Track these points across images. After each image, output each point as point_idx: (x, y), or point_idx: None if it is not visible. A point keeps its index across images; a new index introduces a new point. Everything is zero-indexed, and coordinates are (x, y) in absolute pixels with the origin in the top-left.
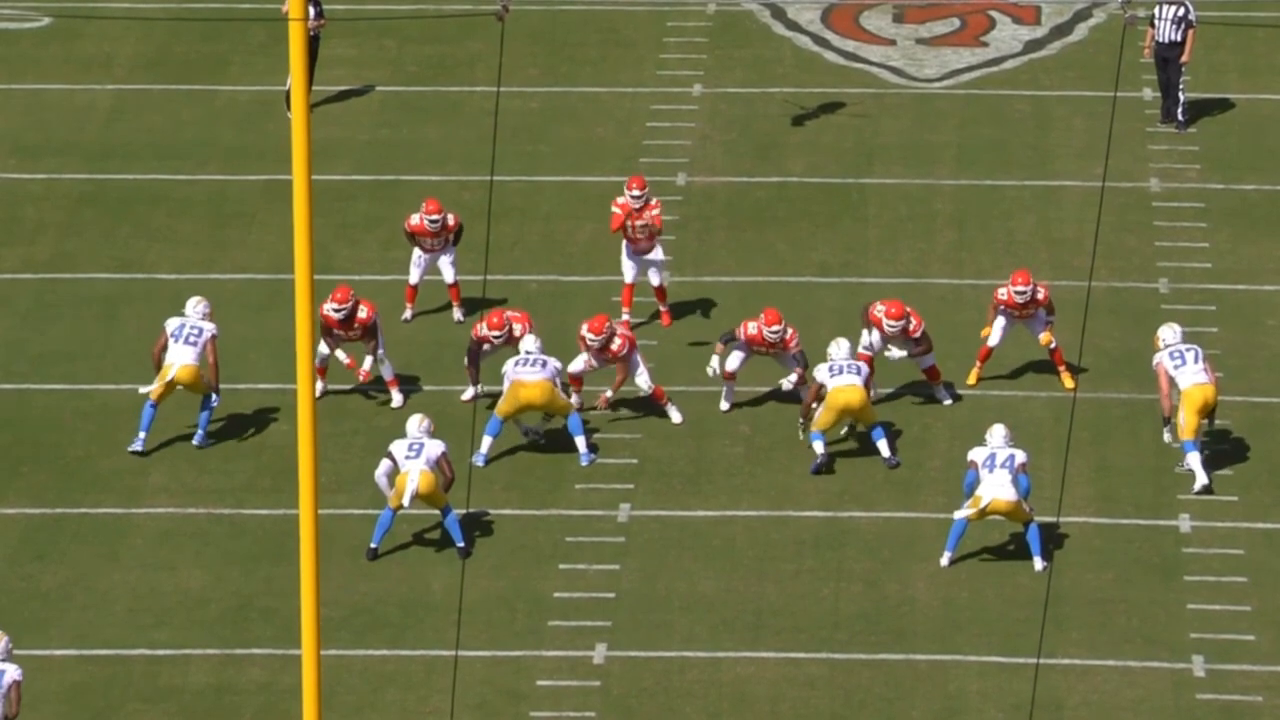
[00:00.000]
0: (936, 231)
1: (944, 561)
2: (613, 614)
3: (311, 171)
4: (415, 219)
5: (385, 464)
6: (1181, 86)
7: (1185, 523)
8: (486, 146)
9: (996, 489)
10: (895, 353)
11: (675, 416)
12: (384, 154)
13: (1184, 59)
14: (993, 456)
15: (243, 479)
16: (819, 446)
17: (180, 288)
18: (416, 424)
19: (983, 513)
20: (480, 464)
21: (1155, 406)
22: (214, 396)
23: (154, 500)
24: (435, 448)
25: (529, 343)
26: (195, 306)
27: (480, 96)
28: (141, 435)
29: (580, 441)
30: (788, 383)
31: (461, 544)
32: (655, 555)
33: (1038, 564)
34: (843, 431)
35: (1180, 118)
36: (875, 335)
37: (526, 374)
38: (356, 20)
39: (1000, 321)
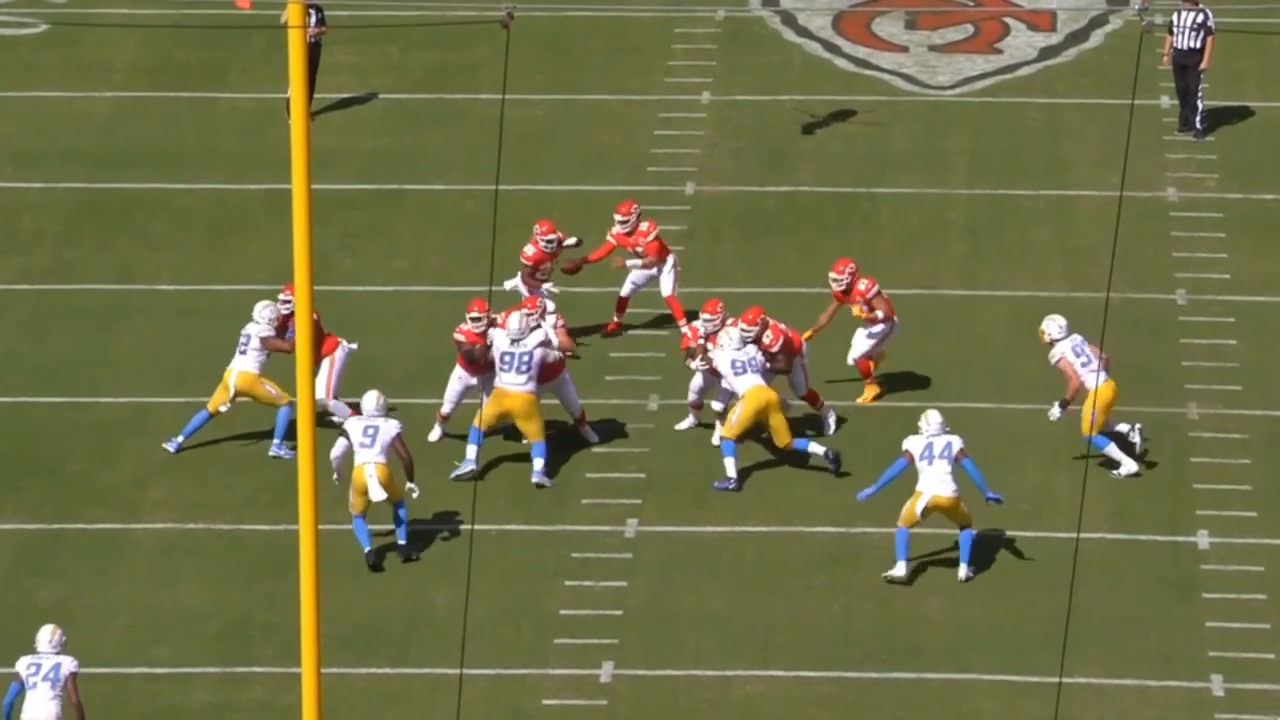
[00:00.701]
0: (949, 242)
1: (900, 572)
2: (620, 631)
3: (312, 180)
4: (530, 250)
5: (341, 443)
6: (1200, 94)
7: (1203, 539)
8: (491, 155)
9: (936, 485)
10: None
11: (591, 436)
12: (386, 162)
13: (1203, 66)
14: (930, 446)
15: (243, 494)
16: (730, 466)
17: (180, 298)
18: (374, 401)
19: (924, 511)
20: (472, 467)
21: (1170, 419)
22: (284, 409)
23: (153, 515)
24: (390, 429)
25: (514, 323)
26: (260, 311)
27: (485, 104)
28: (178, 439)
29: (539, 463)
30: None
31: (403, 541)
32: (663, 571)
33: (962, 571)
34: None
35: (1198, 126)
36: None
37: (511, 382)
38: (359, 27)
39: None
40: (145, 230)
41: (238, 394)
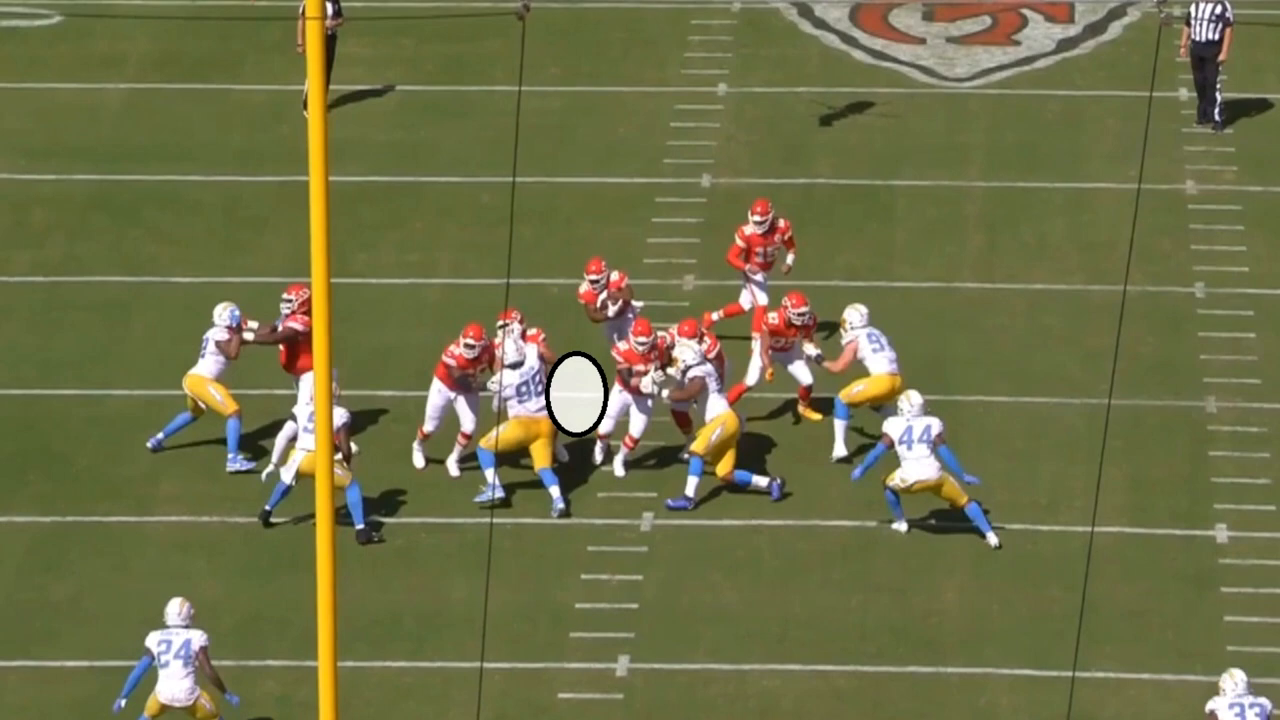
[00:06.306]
0: (966, 235)
1: (901, 527)
2: (636, 625)
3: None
4: (584, 286)
5: (289, 426)
6: (1218, 86)
7: (1222, 533)
8: (506, 148)
9: (919, 469)
10: (812, 350)
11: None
12: (401, 155)
13: (1221, 58)
14: (909, 430)
15: (257, 488)
16: (692, 486)
17: (192, 292)
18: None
19: (909, 490)
20: (500, 494)
21: (1188, 413)
22: (231, 420)
23: (165, 509)
24: (336, 417)
25: (508, 347)
26: (219, 314)
27: (500, 96)
28: (158, 436)
29: (555, 490)
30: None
31: (360, 525)
32: (679, 566)
33: (992, 539)
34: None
35: (1217, 118)
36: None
37: (536, 409)
38: (374, 19)
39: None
40: (157, 224)
41: (190, 395)
